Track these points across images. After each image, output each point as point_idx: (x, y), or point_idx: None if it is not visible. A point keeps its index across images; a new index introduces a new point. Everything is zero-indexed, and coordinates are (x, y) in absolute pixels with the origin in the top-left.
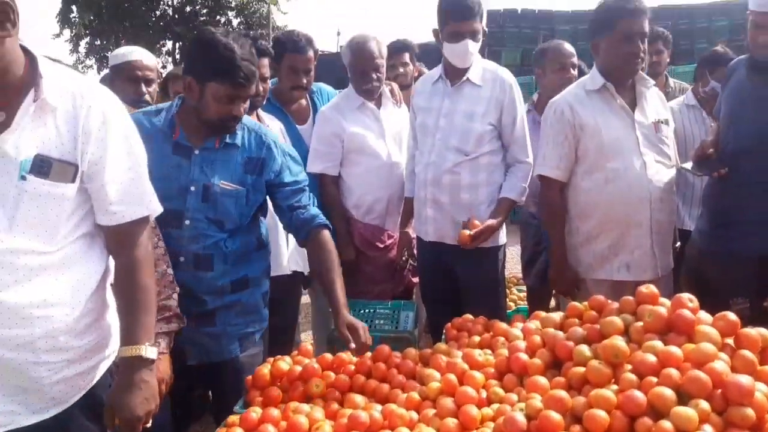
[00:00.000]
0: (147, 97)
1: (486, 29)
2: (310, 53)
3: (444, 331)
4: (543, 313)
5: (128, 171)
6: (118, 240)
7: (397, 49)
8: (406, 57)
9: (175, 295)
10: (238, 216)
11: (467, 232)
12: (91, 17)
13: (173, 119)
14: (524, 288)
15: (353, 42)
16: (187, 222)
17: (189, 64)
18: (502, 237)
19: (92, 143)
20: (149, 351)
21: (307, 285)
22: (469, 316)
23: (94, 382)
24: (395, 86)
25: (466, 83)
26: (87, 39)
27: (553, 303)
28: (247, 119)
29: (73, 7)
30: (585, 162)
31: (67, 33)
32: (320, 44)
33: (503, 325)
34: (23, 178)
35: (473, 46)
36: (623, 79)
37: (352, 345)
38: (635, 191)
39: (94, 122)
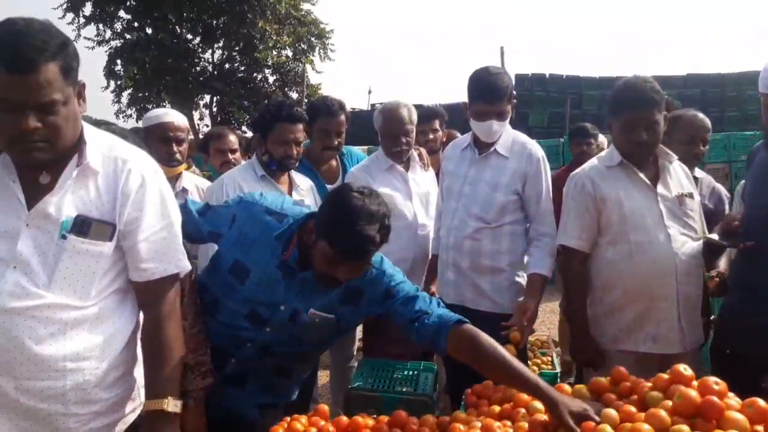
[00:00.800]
0: (178, 156)
1: (514, 92)
2: (342, 117)
3: (464, 396)
4: (567, 386)
5: (161, 231)
6: (146, 296)
7: (428, 116)
8: (436, 124)
9: (209, 351)
10: (322, 341)
11: (511, 346)
12: (135, 71)
13: (293, 236)
14: (547, 351)
15: (385, 108)
16: (268, 329)
17: (319, 209)
18: None
19: (130, 204)
20: (172, 405)
21: None
22: (490, 383)
23: None
24: (423, 151)
25: (493, 154)
26: (130, 90)
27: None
28: None
29: (118, 61)
30: (608, 233)
31: (112, 84)
32: (352, 101)
33: (525, 396)
34: (63, 237)
35: (498, 126)
36: (633, 161)
37: None
38: (660, 264)
39: (132, 184)
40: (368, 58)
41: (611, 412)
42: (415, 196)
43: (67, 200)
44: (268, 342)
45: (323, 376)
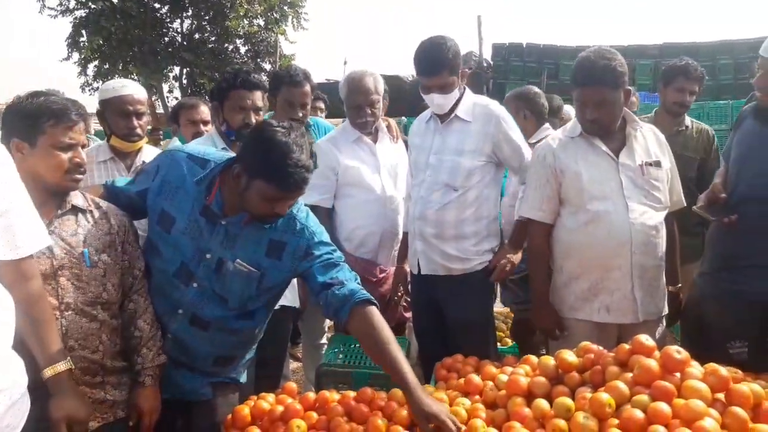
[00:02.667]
0: (138, 131)
1: (491, 62)
2: (307, 87)
3: (434, 370)
4: (534, 358)
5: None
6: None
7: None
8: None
9: (160, 333)
10: (245, 298)
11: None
12: (100, 41)
13: (214, 180)
14: None
15: (349, 77)
16: (195, 285)
17: (242, 152)
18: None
19: None
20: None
21: (297, 319)
22: (460, 357)
23: None
24: (392, 122)
25: (455, 120)
26: (95, 63)
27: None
28: None
29: (83, 32)
30: (568, 204)
31: (75, 56)
32: (327, 73)
33: (492, 369)
34: None
35: (441, 98)
36: (593, 133)
37: None
38: (614, 234)
39: None
40: (343, 28)
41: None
42: (383, 168)
43: None
44: (196, 304)
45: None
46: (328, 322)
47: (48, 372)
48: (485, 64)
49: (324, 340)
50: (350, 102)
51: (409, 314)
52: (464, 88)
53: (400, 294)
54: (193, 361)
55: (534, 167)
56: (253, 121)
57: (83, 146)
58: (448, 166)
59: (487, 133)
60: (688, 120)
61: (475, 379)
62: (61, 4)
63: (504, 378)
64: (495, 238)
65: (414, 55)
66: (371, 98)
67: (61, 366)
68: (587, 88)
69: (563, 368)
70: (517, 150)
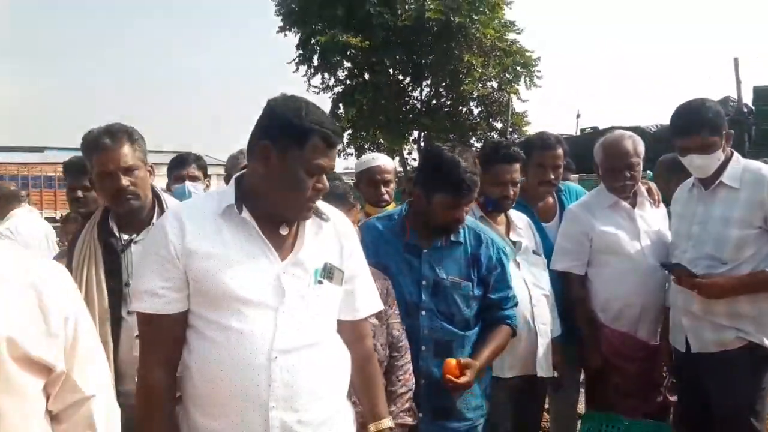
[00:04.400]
0: (386, 197)
1: (752, 107)
2: (559, 150)
3: None
4: None
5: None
6: (354, 332)
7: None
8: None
9: (411, 393)
10: (467, 309)
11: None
12: (354, 113)
13: (404, 222)
14: None
15: (606, 140)
16: (423, 313)
17: (417, 177)
18: None
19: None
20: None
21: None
22: None
23: None
24: (653, 185)
25: (721, 186)
26: (349, 131)
27: None
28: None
29: (340, 105)
30: None
31: None
32: (560, 127)
33: None
34: (320, 282)
35: (701, 159)
36: None
37: None
38: None
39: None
40: (576, 80)
41: None
42: (643, 235)
43: (314, 249)
44: (430, 329)
45: None
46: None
47: (372, 428)
48: (745, 110)
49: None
50: (607, 165)
51: (674, 398)
52: (731, 153)
53: (664, 374)
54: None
55: None
56: (512, 193)
57: None
58: (713, 237)
59: (756, 201)
60: None
61: None
62: (323, 83)
63: None
64: None
65: (670, 117)
66: (630, 161)
67: (386, 423)
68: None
69: None
70: None
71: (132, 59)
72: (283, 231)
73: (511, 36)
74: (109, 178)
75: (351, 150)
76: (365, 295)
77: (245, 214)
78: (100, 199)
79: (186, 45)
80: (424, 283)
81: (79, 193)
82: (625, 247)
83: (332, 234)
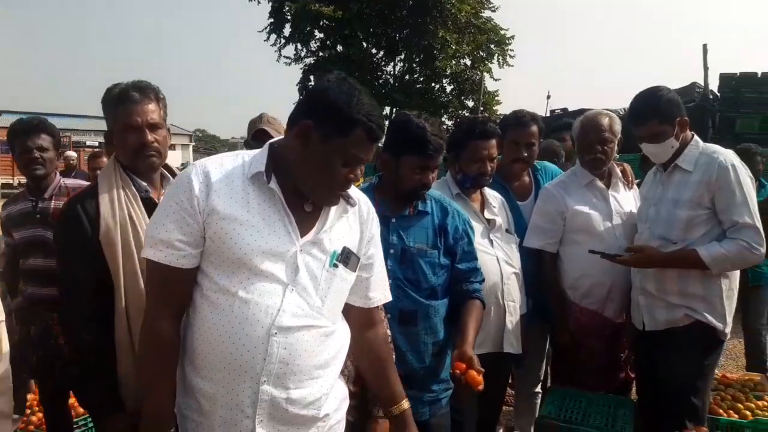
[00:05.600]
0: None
1: (717, 94)
2: (533, 128)
3: None
4: None
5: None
6: (368, 317)
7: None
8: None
9: None
10: (433, 277)
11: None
12: None
13: (373, 193)
14: (763, 394)
15: (585, 116)
16: (390, 282)
17: (386, 143)
18: (722, 317)
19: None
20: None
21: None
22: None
23: None
24: (627, 167)
25: (676, 170)
26: None
27: None
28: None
29: (311, 77)
30: None
31: None
32: (530, 108)
33: None
34: (335, 265)
35: (654, 147)
36: None
37: None
38: None
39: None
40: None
41: None
42: (615, 215)
43: (335, 232)
44: (395, 297)
45: None
46: (543, 370)
47: (395, 410)
48: (711, 96)
49: (539, 389)
50: (582, 139)
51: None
52: (692, 136)
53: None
54: (415, 360)
55: None
56: (489, 169)
57: None
58: (664, 218)
59: (704, 181)
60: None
61: None
62: (296, 53)
63: None
64: None
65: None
66: (604, 135)
67: (406, 404)
68: None
69: None
70: (732, 206)
71: (91, 19)
72: (308, 208)
73: (486, 13)
74: (134, 133)
75: None
76: (379, 284)
77: (273, 184)
78: (119, 154)
79: (152, 5)
80: (391, 251)
81: (36, 154)
82: (597, 226)
83: (356, 219)
